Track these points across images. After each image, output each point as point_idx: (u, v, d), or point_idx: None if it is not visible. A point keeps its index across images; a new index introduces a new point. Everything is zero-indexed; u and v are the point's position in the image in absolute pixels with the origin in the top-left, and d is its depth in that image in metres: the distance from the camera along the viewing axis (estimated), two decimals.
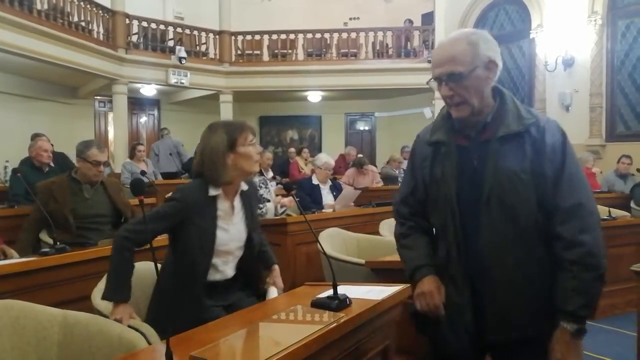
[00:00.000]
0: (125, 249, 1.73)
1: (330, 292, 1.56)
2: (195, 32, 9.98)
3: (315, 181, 4.44)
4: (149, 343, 1.52)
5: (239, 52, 10.26)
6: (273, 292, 1.97)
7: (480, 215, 1.36)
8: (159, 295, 1.81)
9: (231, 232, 1.86)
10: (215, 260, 1.83)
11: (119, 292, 1.70)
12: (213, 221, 1.81)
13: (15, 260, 2.26)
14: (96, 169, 2.87)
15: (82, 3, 8.07)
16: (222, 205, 1.84)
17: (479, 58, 1.34)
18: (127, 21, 9.00)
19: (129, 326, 1.55)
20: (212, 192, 1.81)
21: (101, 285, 1.85)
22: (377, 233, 3.44)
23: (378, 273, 2.45)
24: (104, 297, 1.70)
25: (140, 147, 6.32)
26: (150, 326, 1.62)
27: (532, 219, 1.34)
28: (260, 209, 4.04)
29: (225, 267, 1.88)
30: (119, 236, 1.76)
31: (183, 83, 9.42)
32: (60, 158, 4.55)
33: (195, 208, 1.77)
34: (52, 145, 4.36)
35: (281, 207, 4.17)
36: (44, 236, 2.84)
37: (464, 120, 1.40)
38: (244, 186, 1.91)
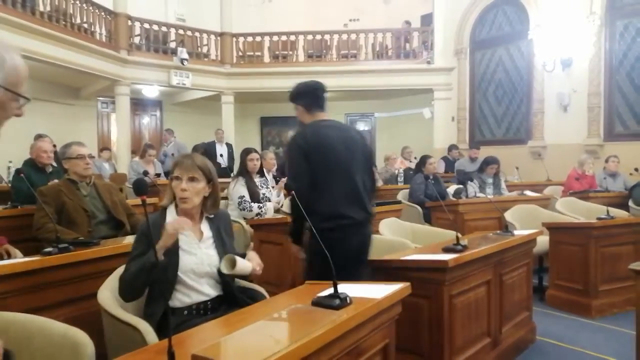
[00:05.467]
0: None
1: (330, 290, 1.58)
2: (197, 34, 10.06)
3: None
4: (146, 340, 1.55)
5: (240, 53, 10.33)
6: (250, 258, 1.98)
7: None
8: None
9: (199, 256, 1.95)
10: (190, 282, 1.91)
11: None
12: (174, 244, 1.88)
13: (19, 259, 2.26)
14: (84, 162, 3.05)
15: (84, 5, 8.14)
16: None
17: None
18: (129, 23, 9.07)
19: (125, 322, 1.61)
20: (169, 218, 1.98)
21: (107, 283, 1.92)
22: (376, 232, 3.40)
23: (378, 272, 2.47)
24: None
25: (152, 151, 6.74)
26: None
27: None
28: (260, 208, 4.26)
29: (204, 288, 1.94)
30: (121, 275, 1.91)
31: (185, 84, 9.50)
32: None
33: (154, 233, 1.84)
34: (54, 146, 4.40)
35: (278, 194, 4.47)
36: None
37: None
38: (208, 214, 2.05)
